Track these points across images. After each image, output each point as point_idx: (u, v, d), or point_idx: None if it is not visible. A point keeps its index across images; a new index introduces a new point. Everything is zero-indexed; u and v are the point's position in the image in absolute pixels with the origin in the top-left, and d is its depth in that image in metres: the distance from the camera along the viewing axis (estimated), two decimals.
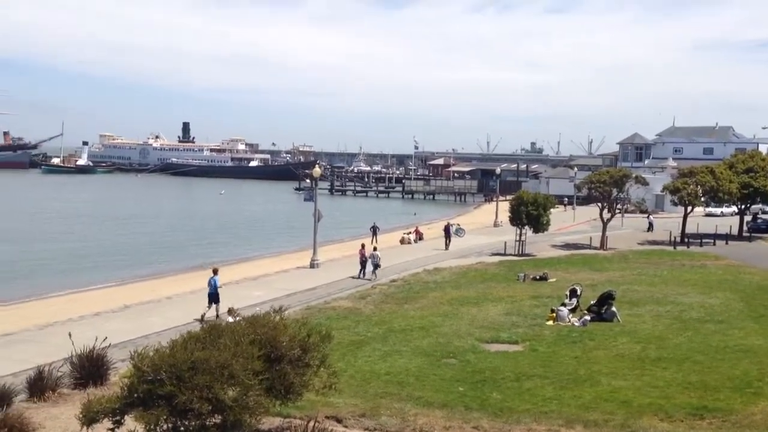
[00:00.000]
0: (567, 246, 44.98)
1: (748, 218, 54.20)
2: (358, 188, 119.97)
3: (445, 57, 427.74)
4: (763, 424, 13.33)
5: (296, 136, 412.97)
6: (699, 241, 45.65)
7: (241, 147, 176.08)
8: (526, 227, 41.48)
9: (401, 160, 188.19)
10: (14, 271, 37.22)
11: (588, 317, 22.24)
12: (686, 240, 46.21)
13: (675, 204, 49.56)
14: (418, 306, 24.93)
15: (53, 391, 14.97)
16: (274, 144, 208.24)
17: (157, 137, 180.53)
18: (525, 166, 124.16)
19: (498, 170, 71.92)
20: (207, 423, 9.87)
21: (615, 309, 22.62)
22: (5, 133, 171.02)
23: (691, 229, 48.25)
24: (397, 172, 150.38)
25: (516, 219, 41.45)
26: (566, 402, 14.53)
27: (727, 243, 46.31)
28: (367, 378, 16.12)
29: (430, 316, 22.93)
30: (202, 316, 22.05)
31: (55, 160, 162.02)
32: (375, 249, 34.12)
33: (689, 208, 48.19)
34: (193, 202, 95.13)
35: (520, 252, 40.69)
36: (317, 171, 40.68)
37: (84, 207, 78.00)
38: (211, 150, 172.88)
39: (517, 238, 41.24)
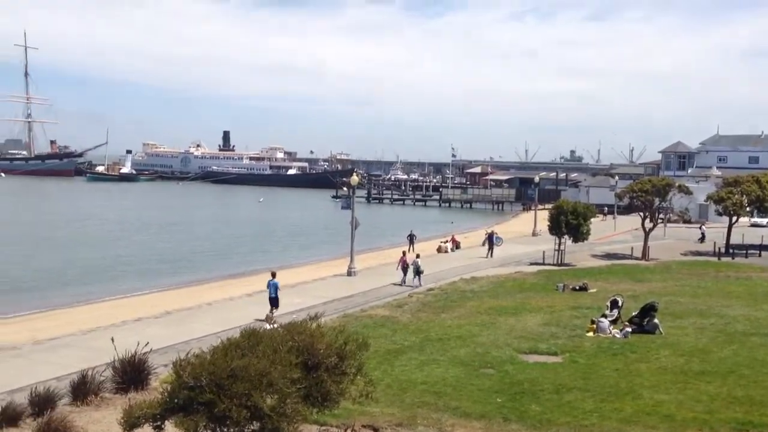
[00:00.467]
0: (607, 256, 44.30)
1: None
2: (395, 196, 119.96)
3: (483, 65, 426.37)
4: None
5: (334, 144, 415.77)
6: (744, 252, 44.54)
7: (280, 155, 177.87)
8: (566, 236, 40.98)
9: (438, 168, 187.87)
10: (63, 277, 38.11)
11: (629, 329, 21.84)
12: (731, 251, 45.10)
13: (719, 214, 48.46)
14: (455, 315, 24.79)
15: (96, 395, 15.23)
16: (312, 152, 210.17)
17: (198, 146, 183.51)
18: (564, 174, 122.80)
19: (536, 178, 71.27)
20: (245, 430, 9.93)
21: (657, 321, 22.16)
22: (52, 142, 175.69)
23: (735, 239, 47.09)
24: (434, 180, 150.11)
25: (555, 228, 40.96)
26: (607, 415, 14.26)
27: None
28: (404, 387, 16.07)
29: (467, 326, 22.77)
30: (267, 317, 23.42)
31: (100, 168, 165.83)
32: (418, 256, 34.49)
33: (734, 218, 47.05)
34: (232, 210, 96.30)
35: (559, 262, 40.19)
36: (355, 179, 40.83)
37: (128, 214, 79.57)
38: (251, 158, 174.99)
39: (556, 247, 40.76)
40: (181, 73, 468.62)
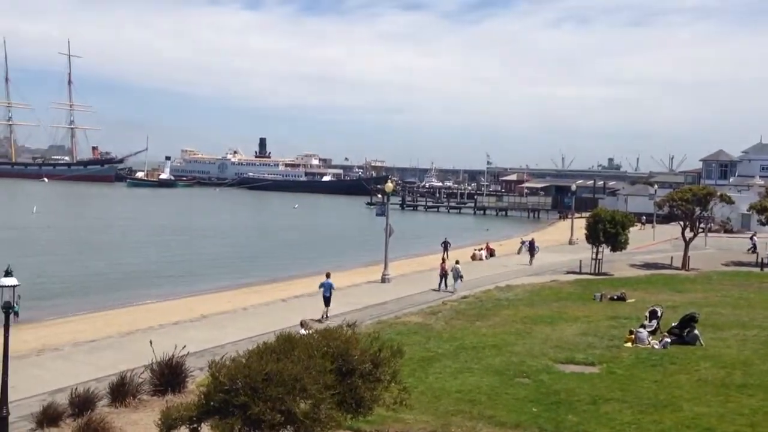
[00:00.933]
0: (646, 265, 43.54)
1: None
2: (430, 204, 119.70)
3: (519, 72, 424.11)
4: None
5: (368, 151, 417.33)
6: None
7: (315, 162, 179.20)
8: (603, 245, 40.39)
9: (473, 175, 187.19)
10: (104, 280, 38.79)
11: (669, 340, 21.41)
12: None
13: (762, 224, 47.26)
14: (489, 323, 24.59)
15: (134, 397, 15.48)
16: (346, 159, 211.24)
17: (235, 152, 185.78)
18: (602, 182, 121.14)
19: (574, 186, 70.55)
20: None
21: (698, 332, 21.68)
22: (94, 148, 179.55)
23: None
24: (469, 187, 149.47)
25: (593, 236, 40.38)
26: (645, 427, 13.99)
27: None
28: (438, 395, 15.97)
29: (502, 334, 22.56)
30: (322, 316, 25.03)
31: (140, 174, 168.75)
32: (457, 262, 34.62)
33: None
34: (268, 216, 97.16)
35: (597, 271, 39.62)
36: (389, 186, 40.79)
37: (167, 219, 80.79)
38: (286, 165, 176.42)
39: (594, 256, 40.18)
40: (219, 81, 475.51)
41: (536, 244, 46.48)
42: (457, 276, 32.86)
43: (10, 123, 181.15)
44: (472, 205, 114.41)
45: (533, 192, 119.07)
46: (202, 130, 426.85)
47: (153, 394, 15.86)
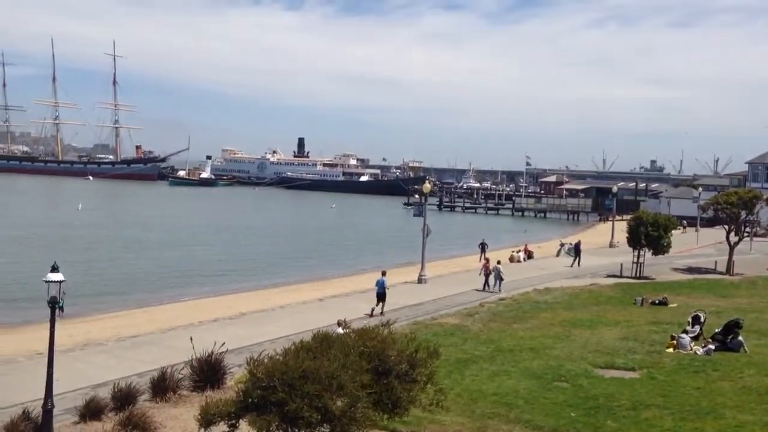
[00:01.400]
0: (689, 270, 42.64)
1: None
2: (467, 205, 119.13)
3: (560, 73, 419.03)
4: None
5: (406, 151, 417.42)
6: None
7: (353, 162, 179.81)
8: (645, 249, 39.67)
9: (512, 176, 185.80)
10: (148, 277, 39.52)
11: (712, 346, 20.92)
12: None
13: None
14: (527, 326, 24.37)
15: (174, 392, 15.74)
16: (384, 159, 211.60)
17: (274, 152, 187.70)
18: (644, 185, 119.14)
19: (615, 188, 69.39)
20: None
21: (742, 338, 21.17)
22: (137, 147, 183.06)
23: None
24: (507, 189, 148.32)
25: (634, 239, 39.65)
26: None
27: None
28: (474, 397, 15.89)
29: (540, 337, 22.34)
30: (372, 311, 25.95)
31: (181, 173, 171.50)
32: (498, 263, 34.59)
33: None
34: (306, 216, 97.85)
35: (638, 275, 38.93)
36: (427, 186, 40.67)
37: (210, 218, 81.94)
38: (324, 165, 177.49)
39: (635, 259, 39.48)
40: (259, 81, 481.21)
41: (568, 246, 45.88)
42: (498, 277, 32.97)
43: (57, 122, 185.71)
44: (510, 206, 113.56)
45: (573, 194, 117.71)
46: (243, 129, 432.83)
47: (192, 390, 16.11)
